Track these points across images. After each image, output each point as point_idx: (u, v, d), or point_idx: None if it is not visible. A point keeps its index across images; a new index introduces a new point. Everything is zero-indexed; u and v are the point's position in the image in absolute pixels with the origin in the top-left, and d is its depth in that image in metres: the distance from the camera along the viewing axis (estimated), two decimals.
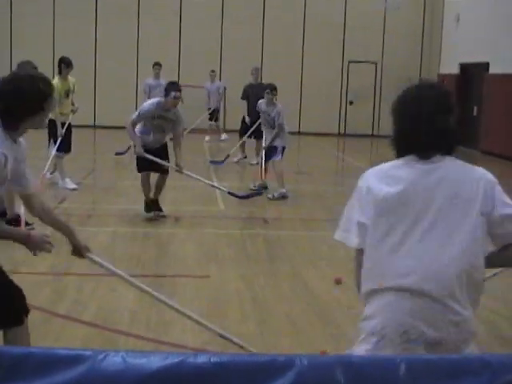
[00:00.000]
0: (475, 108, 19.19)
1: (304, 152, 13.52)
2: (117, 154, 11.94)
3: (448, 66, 20.66)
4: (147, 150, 8.14)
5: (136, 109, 9.36)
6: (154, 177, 8.53)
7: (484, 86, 18.43)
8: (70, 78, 10.14)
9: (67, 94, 10.03)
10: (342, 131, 21.79)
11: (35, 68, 7.71)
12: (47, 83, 3.42)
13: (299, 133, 19.45)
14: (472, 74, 19.43)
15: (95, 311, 5.23)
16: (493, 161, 16.84)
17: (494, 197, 2.53)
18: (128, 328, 4.87)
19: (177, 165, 8.32)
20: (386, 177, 2.62)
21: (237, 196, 8.84)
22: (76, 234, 3.55)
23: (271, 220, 8.91)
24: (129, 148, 10.88)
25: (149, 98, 13.18)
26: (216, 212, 9.12)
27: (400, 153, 2.69)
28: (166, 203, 8.90)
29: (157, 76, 14.95)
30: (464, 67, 19.82)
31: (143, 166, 8.34)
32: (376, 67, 21.80)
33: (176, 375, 1.61)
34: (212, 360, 1.64)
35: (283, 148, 10.48)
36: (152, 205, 8.45)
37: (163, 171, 8.42)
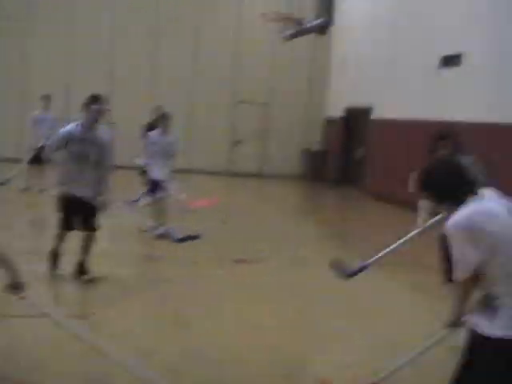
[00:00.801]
0: (360, 150, 19.74)
1: (192, 190, 13.38)
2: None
3: (334, 109, 21.22)
4: (69, 199, 7.02)
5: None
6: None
7: (368, 130, 19.02)
8: None
9: None
10: (229, 170, 21.84)
11: None
12: None
13: (188, 171, 19.31)
14: (356, 118, 20.03)
15: None
16: (377, 202, 17.31)
17: None
18: None
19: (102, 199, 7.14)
20: None
21: (171, 238, 7.68)
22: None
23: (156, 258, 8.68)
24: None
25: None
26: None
27: None
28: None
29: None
30: (349, 111, 20.41)
31: (68, 222, 7.12)
32: (264, 108, 22.07)
33: None
34: None
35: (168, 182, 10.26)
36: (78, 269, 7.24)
37: (91, 227, 7.21)
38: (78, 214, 7.10)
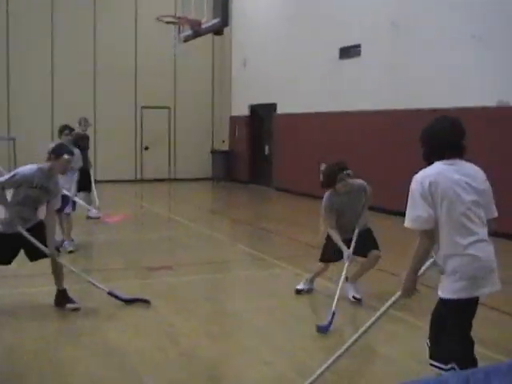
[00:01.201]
0: (266, 147, 19.89)
1: (102, 202, 13.11)
2: None
3: (239, 108, 21.29)
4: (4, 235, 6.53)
5: None
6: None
7: (273, 126, 19.18)
8: None
9: None
10: (139, 177, 21.55)
11: None
12: None
13: (97, 181, 18.89)
14: (261, 114, 20.17)
15: None
16: (287, 197, 17.48)
17: None
18: None
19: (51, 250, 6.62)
20: None
21: (119, 298, 6.92)
22: None
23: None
24: None
25: None
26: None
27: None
28: None
29: None
30: (254, 108, 20.52)
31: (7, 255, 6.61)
32: (169, 112, 21.90)
33: None
34: None
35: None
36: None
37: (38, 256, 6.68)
38: (21, 248, 6.69)
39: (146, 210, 15.22)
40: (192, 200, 17.61)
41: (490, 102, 11.31)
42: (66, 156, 6.61)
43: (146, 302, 6.85)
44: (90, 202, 12.60)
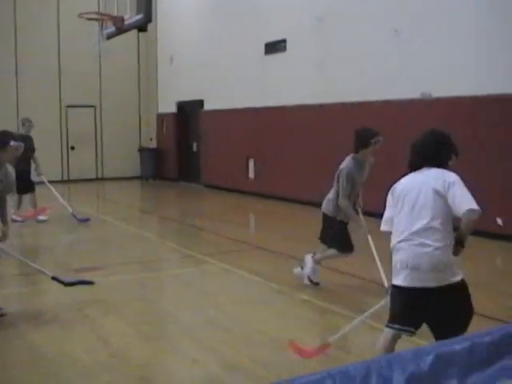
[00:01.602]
0: (195, 144, 19.83)
1: (24, 203, 12.78)
2: None
3: (166, 106, 21.13)
4: None
5: None
6: None
7: (201, 123, 19.13)
8: None
9: None
10: (66, 177, 21.12)
11: None
12: None
13: None
14: (188, 111, 20.09)
15: None
16: (216, 193, 17.48)
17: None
18: None
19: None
20: None
21: (62, 282, 6.78)
22: None
23: None
24: None
25: None
26: None
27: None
28: None
29: None
30: (181, 105, 20.41)
31: None
32: (95, 111, 21.54)
33: None
34: None
35: None
36: None
37: None
38: None
39: (74, 211, 14.94)
40: (121, 199, 17.40)
41: (415, 94, 11.58)
42: (12, 143, 6.31)
43: (90, 283, 6.72)
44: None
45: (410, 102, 11.64)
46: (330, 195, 7.17)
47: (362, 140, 6.85)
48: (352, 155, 6.97)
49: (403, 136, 10.71)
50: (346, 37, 13.20)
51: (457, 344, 1.62)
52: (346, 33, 13.22)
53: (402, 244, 4.08)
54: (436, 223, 3.99)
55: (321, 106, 13.83)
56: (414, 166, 4.26)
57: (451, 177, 4.05)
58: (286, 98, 15.01)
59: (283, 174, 15.20)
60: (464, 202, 3.92)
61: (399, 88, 11.86)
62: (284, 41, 15.14)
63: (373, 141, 6.79)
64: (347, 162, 6.92)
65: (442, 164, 4.18)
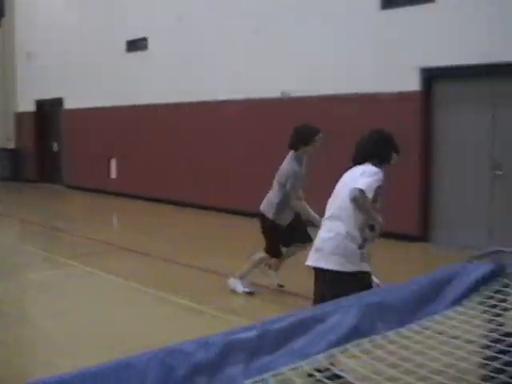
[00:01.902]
0: (55, 144, 19.23)
1: None
2: None
3: (24, 104, 20.34)
4: None
5: None
6: None
7: (61, 122, 18.58)
8: None
9: None
10: None
11: None
12: None
13: None
14: (48, 110, 19.44)
15: None
16: (78, 194, 17.06)
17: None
18: None
19: None
20: None
21: None
22: None
23: None
24: None
25: None
26: None
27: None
28: None
29: None
30: (40, 104, 19.71)
31: None
32: None
33: None
34: None
35: None
36: None
37: None
38: None
39: None
40: None
41: (275, 93, 11.85)
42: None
43: None
44: None
45: (271, 101, 11.90)
46: (273, 198, 6.82)
47: (304, 137, 6.58)
48: (292, 154, 6.67)
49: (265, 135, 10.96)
50: (205, 36, 13.27)
51: (246, 331, 1.69)
52: (204, 32, 13.28)
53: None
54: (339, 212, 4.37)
55: (181, 105, 13.83)
56: (356, 162, 4.54)
57: (370, 170, 4.33)
58: (148, 96, 14.89)
59: (147, 173, 15.07)
60: (358, 183, 4.20)
61: (260, 87, 12.08)
62: (145, 39, 15.00)
63: (316, 138, 6.57)
64: (290, 162, 6.65)
65: (382, 161, 4.51)
